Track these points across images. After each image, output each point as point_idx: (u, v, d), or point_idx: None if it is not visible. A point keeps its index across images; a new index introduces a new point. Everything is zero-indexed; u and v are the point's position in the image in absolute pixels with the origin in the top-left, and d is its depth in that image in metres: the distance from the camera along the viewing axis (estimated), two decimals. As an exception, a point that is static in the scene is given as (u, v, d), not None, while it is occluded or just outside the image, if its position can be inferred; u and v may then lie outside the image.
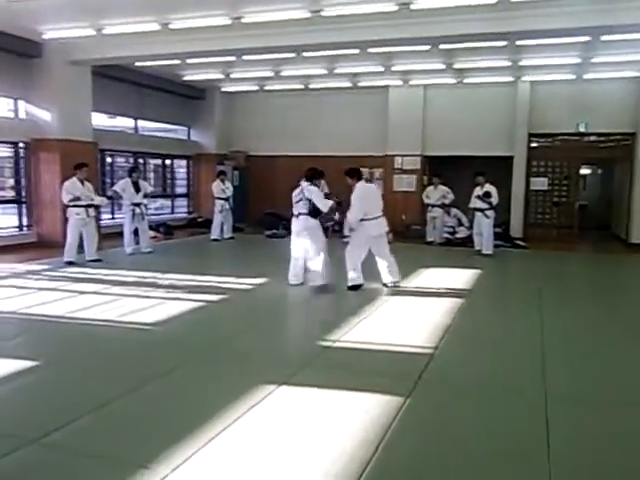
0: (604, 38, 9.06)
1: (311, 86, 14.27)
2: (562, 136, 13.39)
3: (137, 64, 12.04)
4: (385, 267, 7.50)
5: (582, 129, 12.87)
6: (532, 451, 3.19)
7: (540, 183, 13.56)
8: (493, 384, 4.27)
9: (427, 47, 9.83)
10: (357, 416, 3.58)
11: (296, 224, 7.55)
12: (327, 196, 7.96)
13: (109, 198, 10.68)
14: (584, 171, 15.87)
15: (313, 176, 7.55)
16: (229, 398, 3.77)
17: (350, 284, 7.34)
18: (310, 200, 7.31)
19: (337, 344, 5.09)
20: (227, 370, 4.46)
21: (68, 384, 4.14)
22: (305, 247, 7.42)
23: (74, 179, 9.18)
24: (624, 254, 11.97)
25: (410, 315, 6.23)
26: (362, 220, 7.27)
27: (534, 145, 13.52)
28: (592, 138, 13.28)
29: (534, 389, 4.13)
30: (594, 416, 3.72)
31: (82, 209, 9.15)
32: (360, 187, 7.44)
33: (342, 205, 7.72)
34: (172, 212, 15.81)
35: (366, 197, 7.35)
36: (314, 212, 7.38)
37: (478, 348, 5.20)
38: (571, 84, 12.66)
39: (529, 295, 7.53)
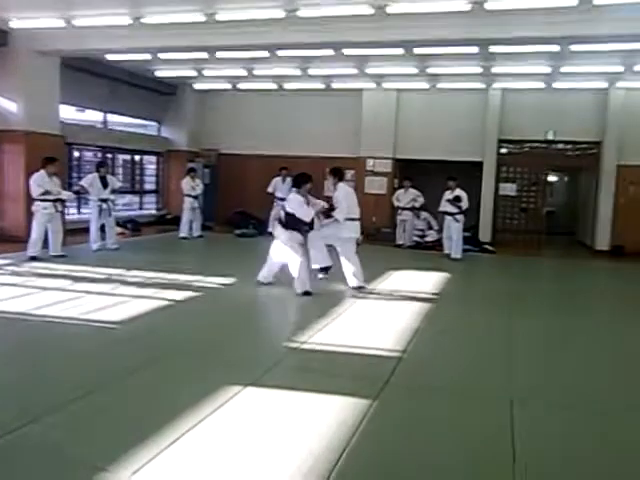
0: (574, 48, 9.26)
1: (285, 87, 14.22)
2: (531, 143, 13.63)
3: (108, 57, 11.80)
4: (351, 271, 7.48)
5: (550, 137, 13.13)
6: (498, 453, 3.22)
7: (509, 189, 13.77)
8: (460, 387, 4.30)
9: (401, 51, 9.88)
10: (324, 418, 3.56)
11: (274, 228, 7.54)
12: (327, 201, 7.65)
13: (76, 193, 10.44)
14: (551, 178, 16.21)
15: (297, 182, 7.23)
16: (194, 399, 3.70)
17: (321, 266, 7.59)
18: (285, 209, 7.17)
19: (305, 346, 5.06)
20: (193, 370, 4.38)
21: (25, 384, 4.01)
22: (282, 252, 7.19)
23: (42, 172, 8.95)
24: (590, 260, 12.27)
25: (378, 318, 6.24)
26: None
27: (503, 151, 13.72)
28: (560, 146, 13.52)
29: (500, 391, 4.19)
30: (558, 418, 3.78)
31: (50, 204, 8.95)
32: (342, 187, 7.50)
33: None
34: (140, 208, 15.54)
35: (349, 197, 7.46)
36: (288, 222, 7.09)
37: (445, 351, 5.24)
38: (541, 93, 12.90)
39: (497, 299, 7.67)
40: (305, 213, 7.00)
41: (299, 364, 4.64)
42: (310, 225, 7.32)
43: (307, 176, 7.17)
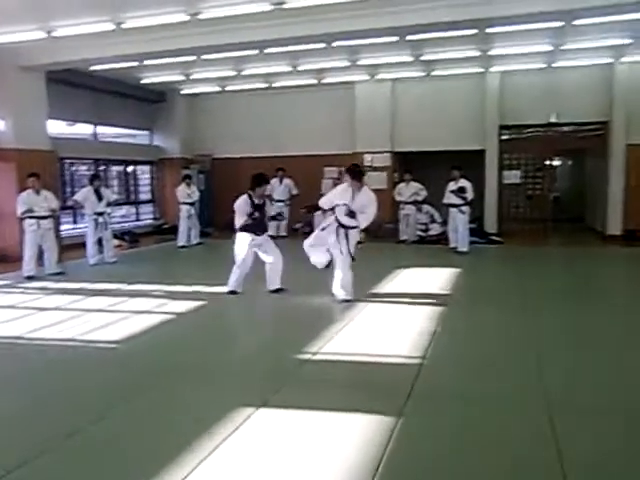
0: (576, 22, 8.81)
1: (275, 84, 13.87)
2: (533, 127, 13.18)
3: (92, 68, 11.48)
4: (340, 280, 6.72)
5: (553, 119, 12.62)
6: (544, 464, 2.92)
7: (513, 176, 13.37)
8: (490, 393, 3.97)
9: (395, 38, 9.53)
10: (349, 439, 3.25)
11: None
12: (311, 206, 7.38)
13: (70, 208, 10.14)
14: (555, 162, 15.80)
15: (252, 183, 7.09)
16: (203, 426, 3.39)
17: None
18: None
19: (317, 357, 4.73)
20: (200, 392, 4.05)
21: (25, 416, 3.70)
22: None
23: (29, 190, 8.79)
24: (602, 247, 11.76)
25: (390, 322, 5.86)
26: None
27: (505, 137, 13.30)
28: (564, 128, 13.05)
29: (532, 396, 3.86)
30: (598, 423, 3.46)
31: (34, 220, 8.72)
32: (367, 191, 6.67)
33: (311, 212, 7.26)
34: (137, 219, 15.24)
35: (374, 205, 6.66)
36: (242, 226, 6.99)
37: (467, 355, 4.89)
38: (541, 73, 12.46)
39: (511, 296, 7.20)
40: (240, 220, 6.94)
41: (313, 378, 4.31)
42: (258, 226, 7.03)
43: (262, 178, 7.11)
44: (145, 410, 3.74)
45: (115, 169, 14.91)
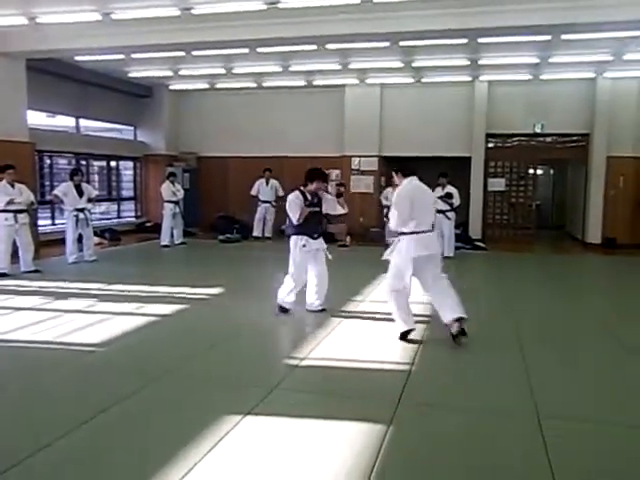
0: (563, 37, 8.95)
1: (265, 84, 13.77)
2: (519, 136, 13.35)
3: (77, 58, 11.22)
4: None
5: (538, 130, 12.87)
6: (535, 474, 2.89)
7: (498, 184, 13.47)
8: (479, 402, 3.90)
9: (386, 44, 9.49)
10: (339, 449, 3.16)
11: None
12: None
13: (49, 203, 9.82)
14: (538, 171, 15.97)
15: (305, 179, 6.12)
16: (188, 436, 3.25)
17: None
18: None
19: (305, 362, 4.63)
20: (184, 400, 3.91)
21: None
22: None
23: (4, 182, 8.46)
24: (584, 254, 12.06)
25: (378, 328, 5.75)
26: None
27: (491, 145, 13.43)
28: (548, 139, 13.27)
29: (522, 404, 3.82)
30: (588, 431, 3.42)
31: (11, 214, 8.42)
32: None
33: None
34: (119, 217, 14.96)
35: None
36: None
37: (455, 362, 4.83)
38: (528, 85, 12.63)
39: (499, 301, 7.28)
40: (288, 223, 6.13)
41: (301, 385, 4.20)
42: (313, 227, 6.10)
43: (315, 173, 6.09)
44: (124, 420, 3.56)
45: (97, 164, 14.62)
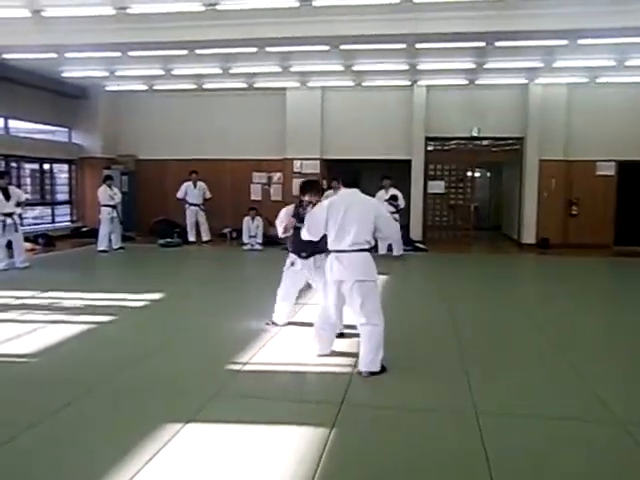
0: (497, 44, 9.26)
1: (205, 86, 13.55)
2: (457, 140, 13.74)
3: (5, 56, 10.70)
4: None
5: (475, 133, 13.25)
6: (473, 470, 2.98)
7: (437, 186, 13.81)
8: (420, 401, 3.98)
9: (326, 47, 9.55)
10: (282, 454, 3.15)
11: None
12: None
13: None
14: (476, 174, 16.48)
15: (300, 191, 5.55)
16: (126, 446, 3.16)
17: None
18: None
19: (247, 367, 4.59)
20: (121, 410, 3.79)
21: None
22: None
23: None
24: (519, 254, 12.61)
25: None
26: None
27: (431, 149, 13.76)
28: (485, 142, 13.73)
29: (461, 402, 3.91)
30: (526, 429, 3.54)
31: None
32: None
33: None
34: (53, 221, 14.34)
35: None
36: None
37: (398, 363, 4.88)
38: (465, 90, 12.98)
39: (441, 299, 7.49)
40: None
41: (243, 390, 4.15)
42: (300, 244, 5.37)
43: (308, 184, 5.55)
44: (57, 434, 3.41)
45: (29, 167, 13.99)
